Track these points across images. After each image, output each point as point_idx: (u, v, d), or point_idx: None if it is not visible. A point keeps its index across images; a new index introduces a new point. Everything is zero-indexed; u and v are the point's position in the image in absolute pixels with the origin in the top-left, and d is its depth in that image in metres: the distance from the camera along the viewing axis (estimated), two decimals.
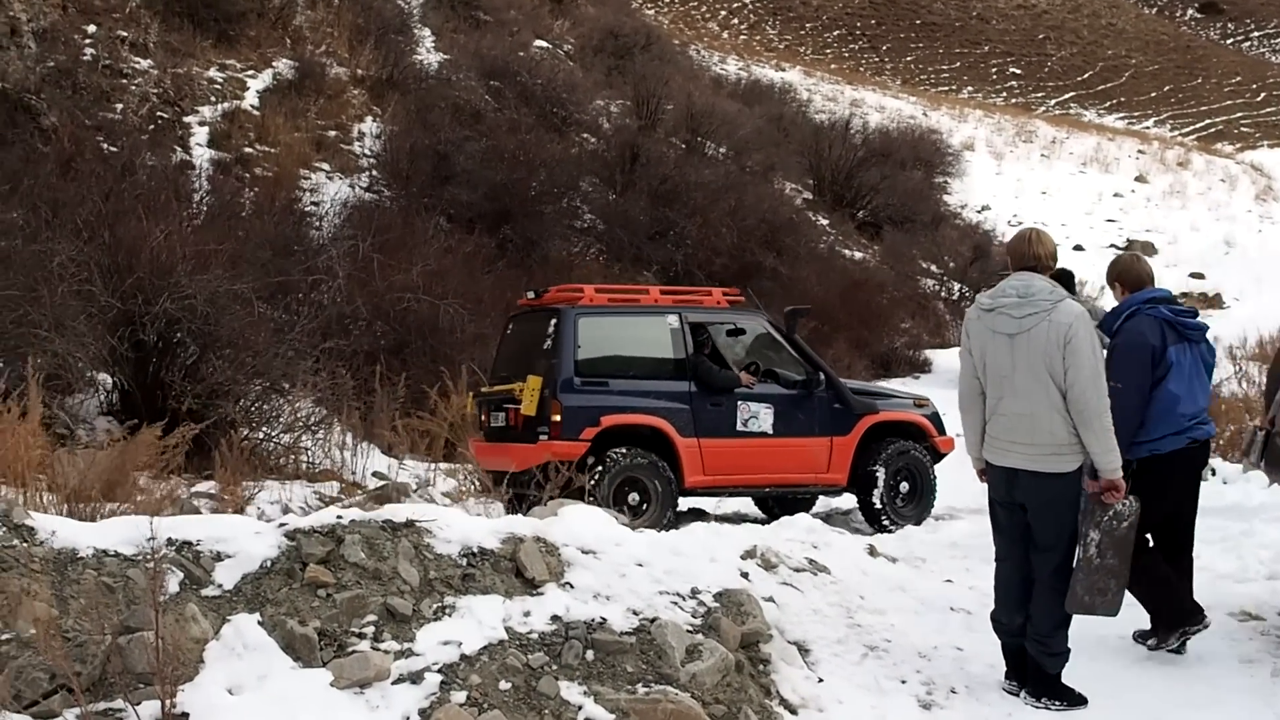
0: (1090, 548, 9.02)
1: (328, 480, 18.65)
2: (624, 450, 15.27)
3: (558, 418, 15.22)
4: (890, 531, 15.76)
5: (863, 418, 16.58)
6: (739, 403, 16.05)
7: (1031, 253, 9.04)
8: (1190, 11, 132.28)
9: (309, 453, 19.65)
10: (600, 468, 15.08)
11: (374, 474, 19.13)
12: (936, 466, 16.99)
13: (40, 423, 11.38)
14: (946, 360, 37.59)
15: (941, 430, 17.24)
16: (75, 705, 6.97)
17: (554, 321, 15.79)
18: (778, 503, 17.54)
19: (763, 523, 16.16)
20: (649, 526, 13.51)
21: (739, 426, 16.00)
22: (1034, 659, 9.18)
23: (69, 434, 17.22)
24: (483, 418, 17.04)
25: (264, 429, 19.54)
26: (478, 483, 17.65)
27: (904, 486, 16.68)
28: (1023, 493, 9.00)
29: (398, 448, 20.01)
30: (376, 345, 23.36)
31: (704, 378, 15.89)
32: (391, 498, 16.71)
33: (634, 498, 15.20)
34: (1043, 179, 74.15)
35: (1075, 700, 9.14)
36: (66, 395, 18.19)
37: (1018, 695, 9.33)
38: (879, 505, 16.35)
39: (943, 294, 47.90)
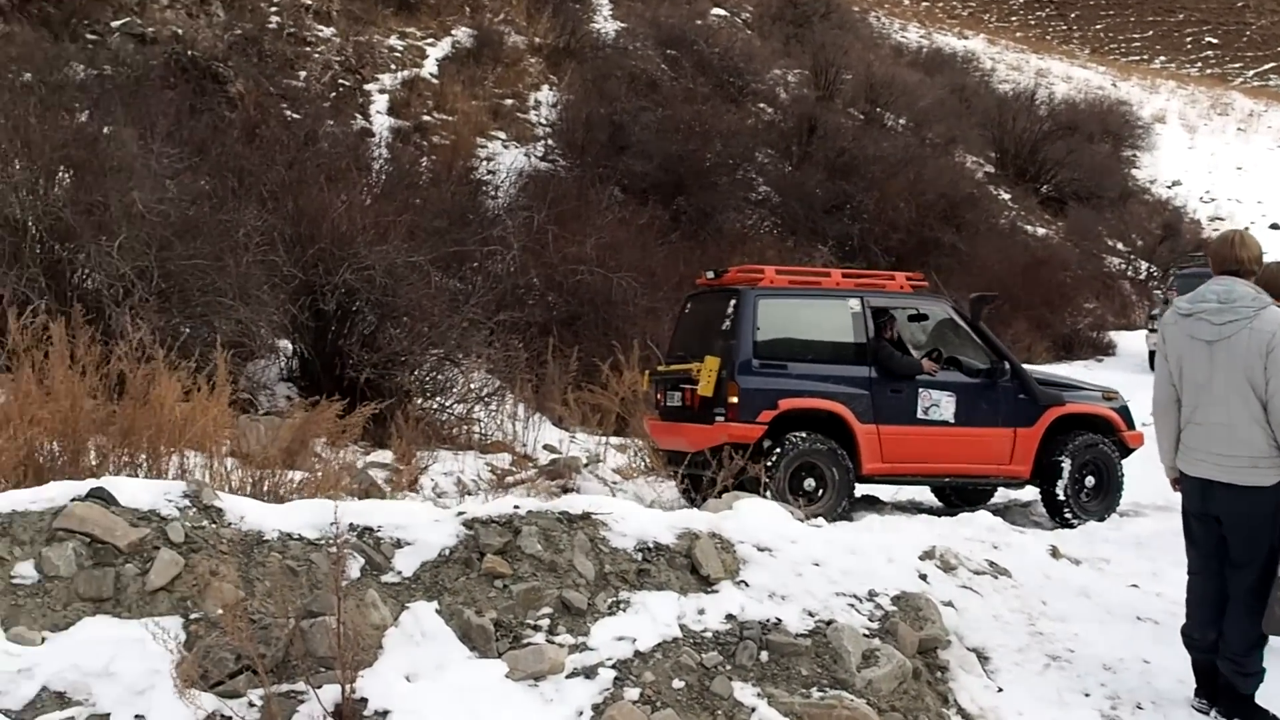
0: None
1: (499, 452, 18.82)
2: (802, 435, 15.06)
3: (735, 399, 15.01)
4: (1073, 526, 15.46)
5: (1048, 409, 16.14)
6: (920, 390, 15.75)
7: (1234, 256, 8.63)
8: None
9: (481, 424, 19.80)
10: (777, 452, 14.89)
11: (545, 447, 19.25)
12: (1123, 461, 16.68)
13: (224, 382, 11.52)
14: (1131, 343, 37.09)
15: (1130, 425, 16.74)
16: (259, 686, 7.10)
17: (733, 302, 15.59)
18: (955, 492, 17.41)
19: (940, 513, 16.10)
20: (824, 514, 13.49)
21: (919, 414, 15.69)
22: (1227, 678, 8.79)
23: (251, 400, 17.52)
24: (658, 397, 17.01)
25: (438, 399, 19.73)
26: (648, 460, 17.76)
27: (1089, 481, 16.17)
28: (1218, 505, 8.59)
29: (569, 420, 20.15)
30: (549, 317, 23.50)
31: (885, 363, 15.65)
32: (562, 473, 16.91)
33: (810, 484, 14.96)
34: (1238, 154, 72.24)
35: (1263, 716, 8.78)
36: (248, 361, 18.48)
37: (1208, 714, 8.96)
38: (1063, 499, 15.95)
39: (1129, 273, 47.20)
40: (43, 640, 7.26)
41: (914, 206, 37.54)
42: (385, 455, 17.02)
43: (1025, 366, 16.86)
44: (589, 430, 20.05)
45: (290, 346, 19.68)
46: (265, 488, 10.99)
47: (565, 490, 16.76)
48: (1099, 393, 16.82)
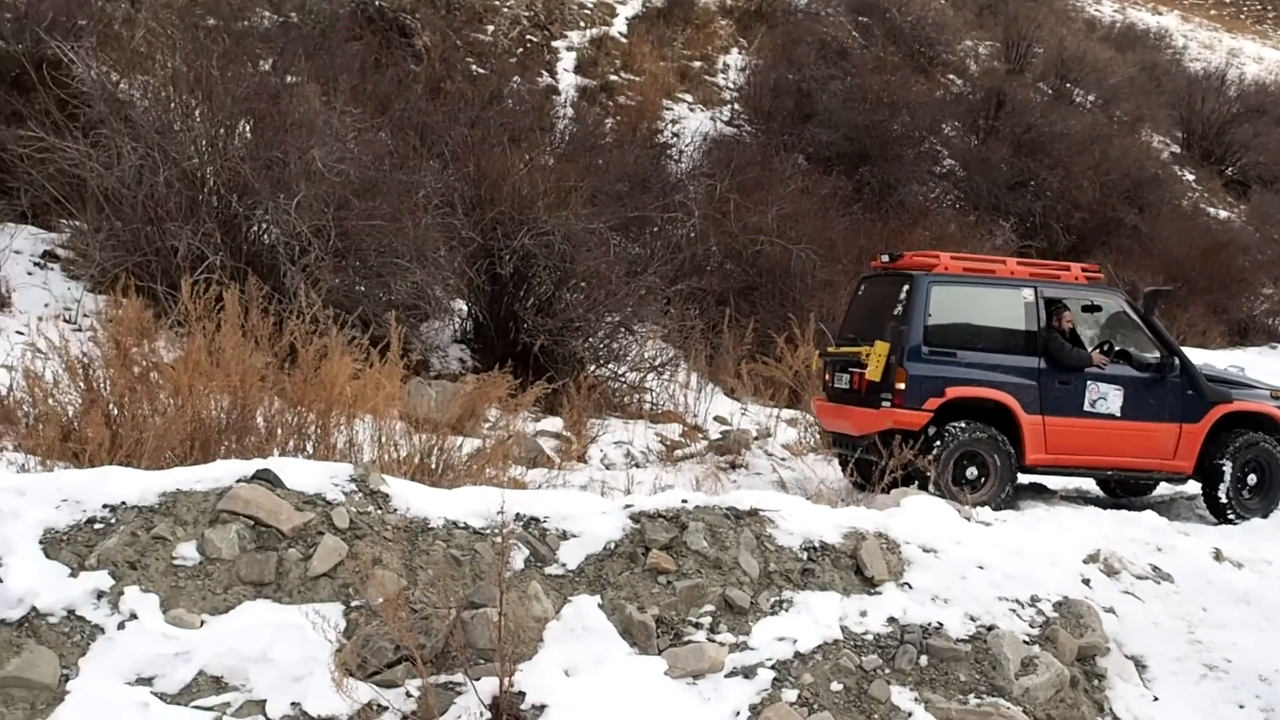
0: None
1: (669, 422, 18.81)
2: (965, 424, 14.98)
3: (902, 385, 14.95)
4: (1234, 523, 15.33)
5: (1215, 406, 15.89)
6: (1088, 383, 15.57)
7: None
8: None
9: (653, 393, 19.80)
10: (940, 440, 14.81)
11: (715, 418, 19.20)
12: None
13: (398, 356, 11.54)
14: None
15: None
16: (417, 677, 7.13)
17: (906, 287, 15.51)
18: (1119, 483, 17.24)
19: (1105, 505, 15.91)
20: (986, 502, 13.53)
21: (1086, 406, 15.51)
22: None
23: (424, 361, 17.64)
24: (827, 378, 16.94)
25: (610, 366, 19.74)
26: (817, 437, 17.69)
27: (1251, 479, 15.95)
28: None
29: (741, 392, 20.05)
30: (726, 286, 23.42)
31: (1055, 354, 15.48)
32: (731, 448, 16.85)
33: (972, 472, 14.87)
34: None
35: None
36: (423, 322, 18.61)
37: None
38: (1224, 499, 15.85)
39: None
40: (201, 623, 7.31)
41: (1097, 186, 36.98)
42: (555, 423, 17.07)
43: (1195, 362, 16.55)
44: (761, 403, 19.97)
45: (465, 308, 19.78)
46: (434, 460, 11.01)
47: (734, 466, 16.76)
48: (1268, 391, 16.49)
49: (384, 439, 10.83)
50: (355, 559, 7.61)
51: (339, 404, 10.50)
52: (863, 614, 8.46)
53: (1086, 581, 10.06)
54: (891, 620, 8.46)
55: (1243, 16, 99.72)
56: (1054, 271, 16.36)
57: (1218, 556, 12.04)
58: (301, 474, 8.04)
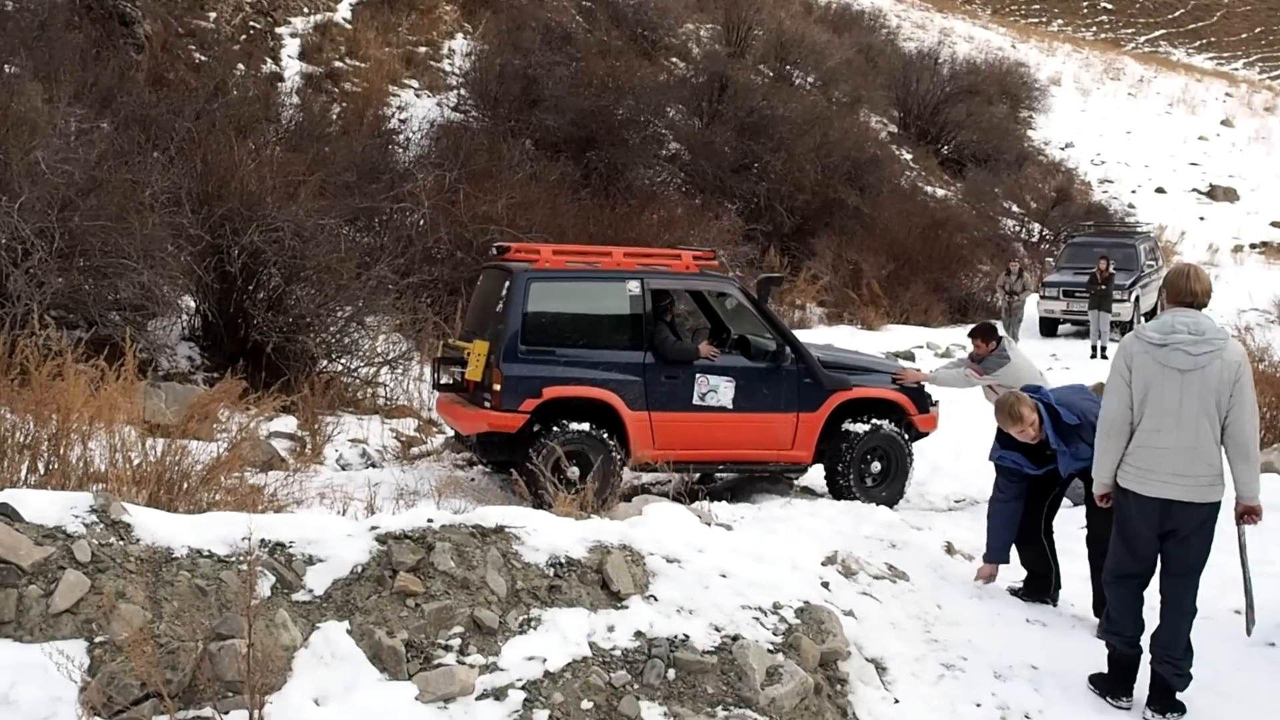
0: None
1: (404, 416, 18.77)
2: (566, 424, 14.79)
3: (498, 387, 14.70)
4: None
5: (833, 394, 15.99)
6: (697, 375, 15.45)
7: (1190, 289, 9.18)
8: None
9: (387, 388, 19.70)
10: (539, 441, 14.68)
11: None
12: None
13: (134, 370, 11.34)
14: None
15: (924, 407, 16.67)
16: (164, 713, 7.01)
17: (506, 284, 15.24)
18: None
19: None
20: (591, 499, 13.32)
21: (695, 400, 15.41)
22: (1164, 678, 9.34)
23: (151, 361, 17.34)
24: (436, 375, 16.87)
25: (343, 361, 19.61)
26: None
27: (875, 466, 16.17)
28: (1174, 521, 9.11)
29: None
30: (458, 276, 23.36)
31: (659, 348, 15.35)
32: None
33: (574, 471, 14.59)
34: (1128, 118, 73.54)
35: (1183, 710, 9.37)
36: (150, 320, 18.28)
37: (1127, 710, 9.49)
38: (847, 485, 15.95)
39: (1023, 235, 47.69)
40: None
41: (819, 167, 37.72)
42: (289, 422, 16.92)
43: (816, 349, 16.67)
44: None
45: (193, 305, 19.50)
46: (169, 472, 10.82)
47: (471, 464, 16.74)
48: (890, 374, 16.67)
49: (118, 454, 10.62)
50: (98, 593, 7.44)
51: (73, 420, 10.28)
52: (610, 629, 8.49)
53: (826, 585, 10.21)
54: (639, 634, 8.49)
55: None
56: (664, 260, 16.29)
57: (949, 550, 12.41)
58: (40, 506, 7.81)
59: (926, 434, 16.72)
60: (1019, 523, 11.44)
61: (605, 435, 14.84)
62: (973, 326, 16.15)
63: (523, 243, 17.48)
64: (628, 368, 15.14)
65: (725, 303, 16.88)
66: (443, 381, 16.04)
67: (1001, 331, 15.98)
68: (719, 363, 15.58)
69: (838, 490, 15.97)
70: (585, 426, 14.76)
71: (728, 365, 15.62)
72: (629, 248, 17.08)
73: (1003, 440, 11.31)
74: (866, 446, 15.98)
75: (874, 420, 16.06)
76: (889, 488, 16.06)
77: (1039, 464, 11.14)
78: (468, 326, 16.63)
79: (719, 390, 15.45)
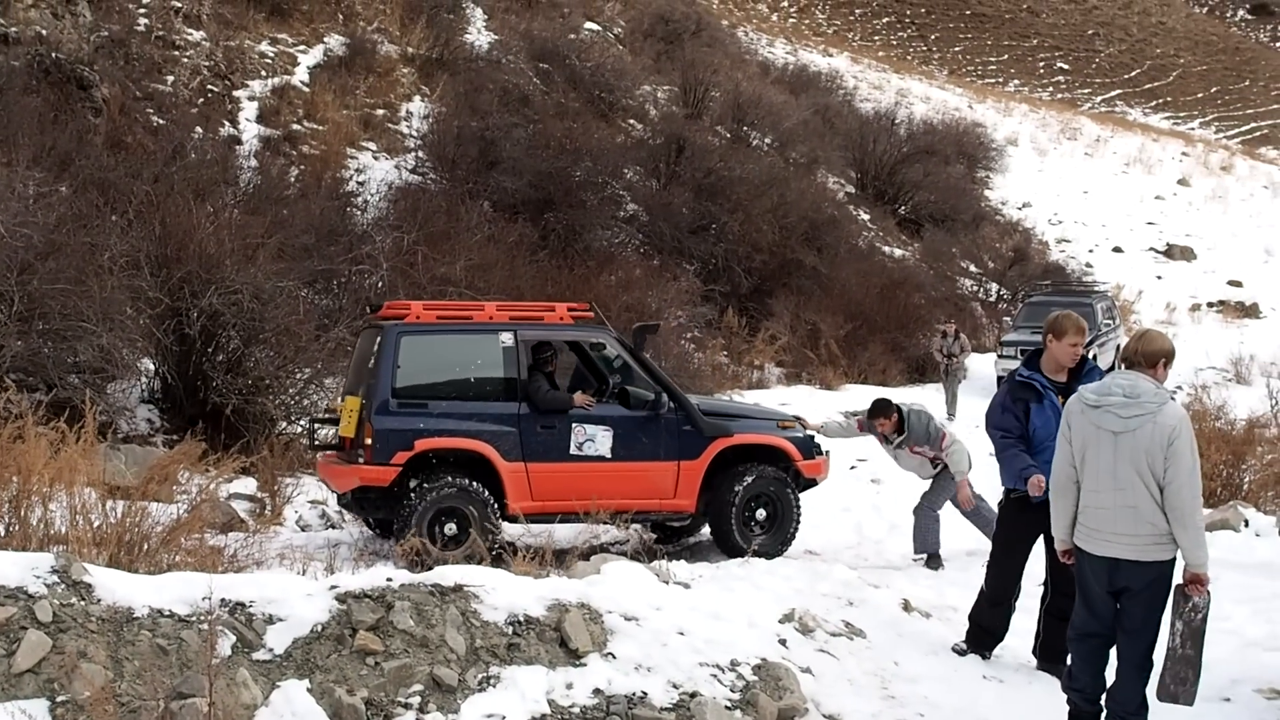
0: (1175, 637, 9.23)
1: None
2: (437, 477, 14.68)
3: (369, 441, 14.58)
4: (745, 554, 14.70)
5: (714, 441, 15.86)
6: (574, 425, 15.38)
7: (1132, 348, 9.32)
8: (1241, 12, 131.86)
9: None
10: (410, 496, 14.57)
11: None
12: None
13: (94, 434, 11.38)
14: (981, 366, 37.48)
15: (809, 454, 16.52)
16: None
17: (378, 339, 15.18)
18: (657, 526, 17.09)
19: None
20: (467, 557, 12.89)
21: (573, 450, 15.33)
22: None
23: (110, 424, 17.34)
24: (311, 435, 17.00)
25: (303, 423, 19.64)
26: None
27: (760, 514, 16.02)
28: (1124, 579, 9.19)
29: None
30: None
31: (532, 398, 15.30)
32: None
33: (451, 528, 14.52)
34: (1085, 178, 73.92)
35: None
36: (109, 383, 18.30)
37: None
38: (731, 533, 15.80)
39: (980, 295, 47.88)
40: None
41: (777, 228, 37.79)
42: (249, 484, 16.92)
43: (696, 398, 16.73)
44: None
45: (152, 368, 19.52)
46: (129, 534, 10.84)
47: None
48: (774, 421, 16.70)
49: (79, 515, 10.64)
50: (60, 653, 7.48)
51: (33, 482, 10.31)
52: (569, 687, 8.55)
53: (783, 642, 10.28)
54: (597, 692, 8.55)
55: (909, 58, 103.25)
56: (536, 313, 16.20)
57: (906, 607, 12.41)
58: (2, 567, 7.85)
59: (815, 482, 16.62)
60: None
61: (478, 488, 14.70)
62: (870, 406, 16.17)
63: (396, 300, 17.49)
64: (502, 418, 15.11)
65: (607, 356, 16.77)
66: (317, 443, 16.21)
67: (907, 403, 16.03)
68: (595, 412, 15.56)
69: (723, 539, 15.92)
70: (458, 480, 14.63)
71: (605, 414, 15.60)
72: (504, 302, 17.06)
73: (1030, 364, 11.19)
74: (750, 493, 15.88)
75: (761, 467, 15.97)
76: (774, 535, 15.96)
77: (1056, 393, 10.94)
78: (345, 388, 16.64)
79: (596, 439, 15.40)
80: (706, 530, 16.56)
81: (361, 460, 14.61)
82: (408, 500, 14.46)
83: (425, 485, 14.53)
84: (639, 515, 15.40)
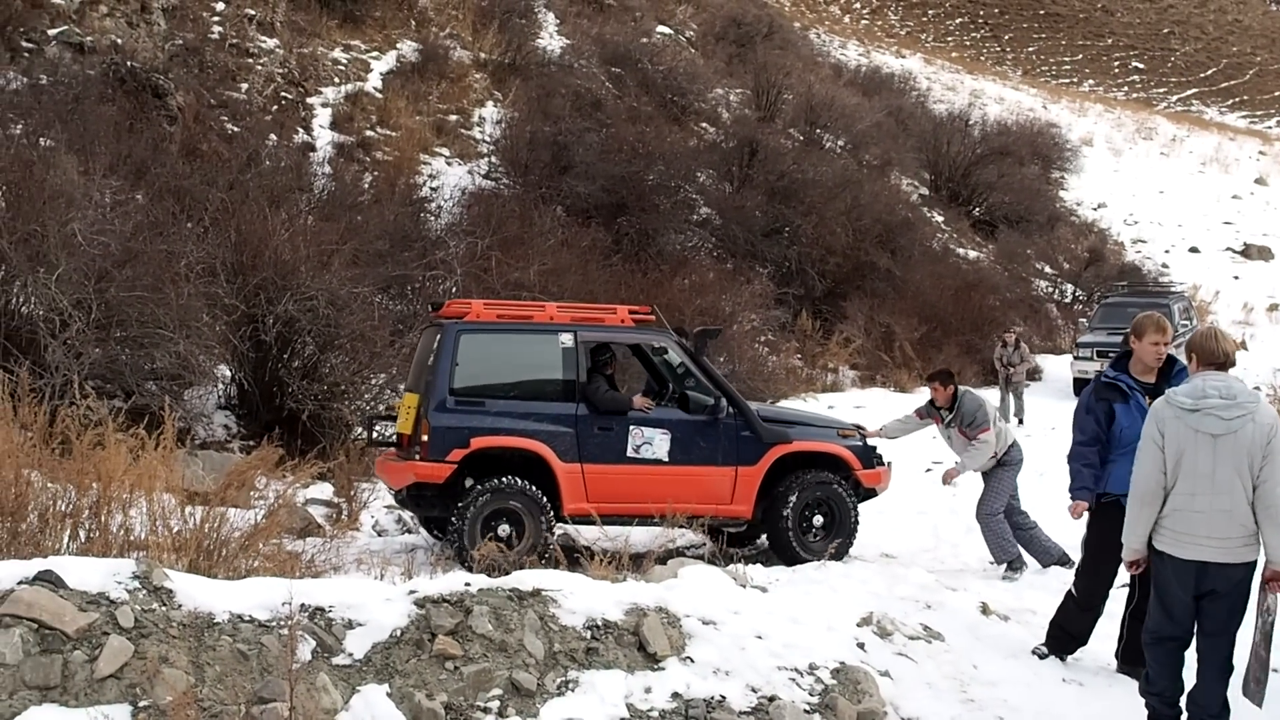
0: (1256, 633, 9.23)
1: None
2: (493, 477, 14.56)
3: (426, 437, 14.53)
4: (805, 561, 14.85)
5: (772, 447, 15.64)
6: (631, 428, 15.24)
7: (1220, 350, 9.24)
8: None
9: None
10: (466, 493, 14.51)
11: None
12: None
13: (173, 440, 11.44)
14: (1057, 368, 37.32)
15: (869, 464, 16.25)
16: None
17: (438, 337, 15.15)
18: (713, 533, 16.57)
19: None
20: (525, 555, 13.41)
21: (629, 453, 15.18)
22: None
23: (187, 430, 17.45)
24: (369, 432, 17.08)
25: (378, 429, 19.70)
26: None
27: (817, 520, 15.82)
28: (1211, 582, 9.12)
29: None
30: None
31: (591, 399, 15.17)
32: None
33: (504, 529, 14.37)
34: (1161, 178, 73.27)
35: None
36: (186, 389, 18.42)
37: None
38: (785, 540, 15.62)
39: (1055, 297, 47.61)
40: None
41: (850, 231, 37.74)
42: (326, 489, 16.98)
43: (755, 405, 16.50)
44: None
45: (229, 374, 19.64)
46: (210, 540, 10.89)
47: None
48: (834, 430, 16.47)
49: (158, 521, 10.69)
50: (142, 658, 7.51)
51: (114, 489, 10.37)
52: (647, 690, 8.53)
53: (861, 645, 10.24)
54: (676, 696, 8.54)
55: (983, 58, 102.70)
56: (597, 315, 16.13)
57: (985, 610, 12.31)
58: (84, 572, 7.89)
59: (875, 492, 16.40)
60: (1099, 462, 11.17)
61: (533, 489, 14.60)
62: (932, 371, 16.24)
63: (461, 299, 17.51)
64: (559, 419, 14.99)
65: (669, 360, 16.65)
66: (377, 439, 16.23)
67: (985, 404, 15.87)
68: (654, 415, 15.45)
69: (779, 545, 15.77)
70: (512, 479, 14.55)
71: (663, 418, 15.48)
72: (563, 303, 17.07)
73: (1118, 365, 11.12)
74: (807, 500, 15.73)
75: (818, 474, 15.81)
76: (832, 542, 15.44)
77: (1144, 394, 10.89)
78: (407, 386, 16.57)
79: (654, 443, 15.26)
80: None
81: (418, 457, 14.59)
82: (463, 499, 14.41)
83: (480, 485, 14.47)
84: (697, 520, 15.17)
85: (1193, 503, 9.03)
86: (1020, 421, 29.74)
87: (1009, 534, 15.28)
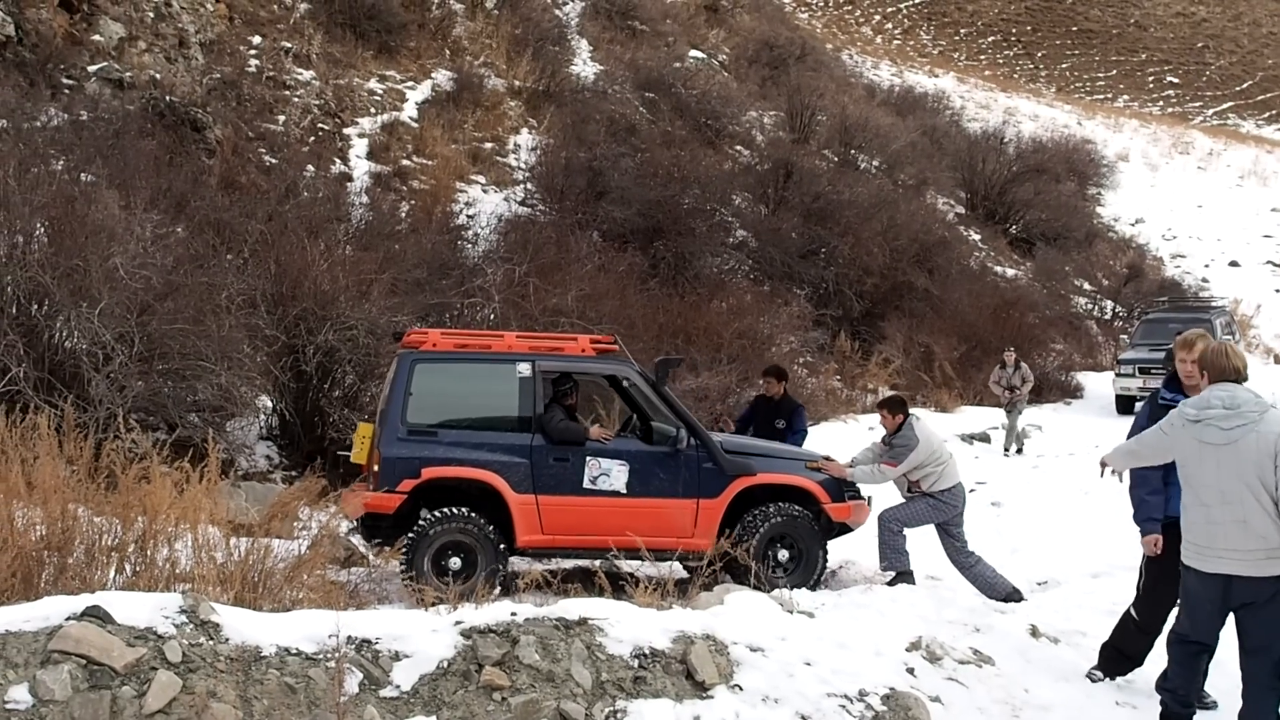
0: None
1: None
2: (442, 509, 14.24)
3: (376, 467, 14.33)
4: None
5: (735, 479, 15.19)
6: (588, 459, 14.85)
7: (1231, 365, 9.21)
8: None
9: None
10: (415, 525, 14.18)
11: None
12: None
13: (217, 473, 11.48)
14: (1099, 385, 37.17)
15: (838, 497, 15.66)
16: None
17: (394, 367, 15.03)
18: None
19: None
20: (471, 594, 12.39)
21: (586, 484, 14.78)
22: None
23: (230, 461, 17.47)
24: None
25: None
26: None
27: (783, 554, 15.30)
28: (1241, 595, 9.04)
29: None
30: None
31: (546, 428, 14.80)
32: None
33: (455, 563, 14.06)
34: (1199, 192, 73.01)
35: None
36: (228, 421, 18.47)
37: None
38: (750, 574, 14.48)
39: (1095, 313, 47.50)
40: None
41: (887, 251, 37.72)
42: None
43: (720, 436, 16.02)
44: None
45: (270, 405, 19.69)
46: (255, 572, 10.91)
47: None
48: (802, 462, 15.94)
49: (203, 554, 10.71)
50: (190, 693, 7.52)
51: (159, 522, 10.40)
52: (696, 719, 8.52)
53: (911, 670, 10.17)
54: None
55: (1016, 76, 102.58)
56: (556, 344, 15.86)
57: (1034, 633, 12.25)
58: (131, 608, 7.91)
59: (847, 527, 15.89)
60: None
61: (482, 521, 14.27)
62: (882, 398, 16.02)
63: (420, 329, 17.23)
64: (514, 449, 14.69)
65: (628, 388, 16.42)
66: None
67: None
68: (612, 446, 15.10)
69: (741, 578, 14.79)
70: (463, 512, 14.23)
71: (621, 449, 15.12)
72: (523, 332, 16.94)
73: (1171, 385, 11.07)
74: (771, 533, 15.26)
75: (783, 506, 15.35)
76: (796, 578, 15.08)
77: None
78: (373, 412, 16.56)
79: (611, 474, 14.90)
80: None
81: (370, 487, 14.44)
82: (413, 531, 14.13)
83: (430, 516, 14.22)
84: (655, 554, 14.57)
85: (1208, 514, 9.05)
86: (1019, 451, 29.30)
87: (903, 545, 14.92)
